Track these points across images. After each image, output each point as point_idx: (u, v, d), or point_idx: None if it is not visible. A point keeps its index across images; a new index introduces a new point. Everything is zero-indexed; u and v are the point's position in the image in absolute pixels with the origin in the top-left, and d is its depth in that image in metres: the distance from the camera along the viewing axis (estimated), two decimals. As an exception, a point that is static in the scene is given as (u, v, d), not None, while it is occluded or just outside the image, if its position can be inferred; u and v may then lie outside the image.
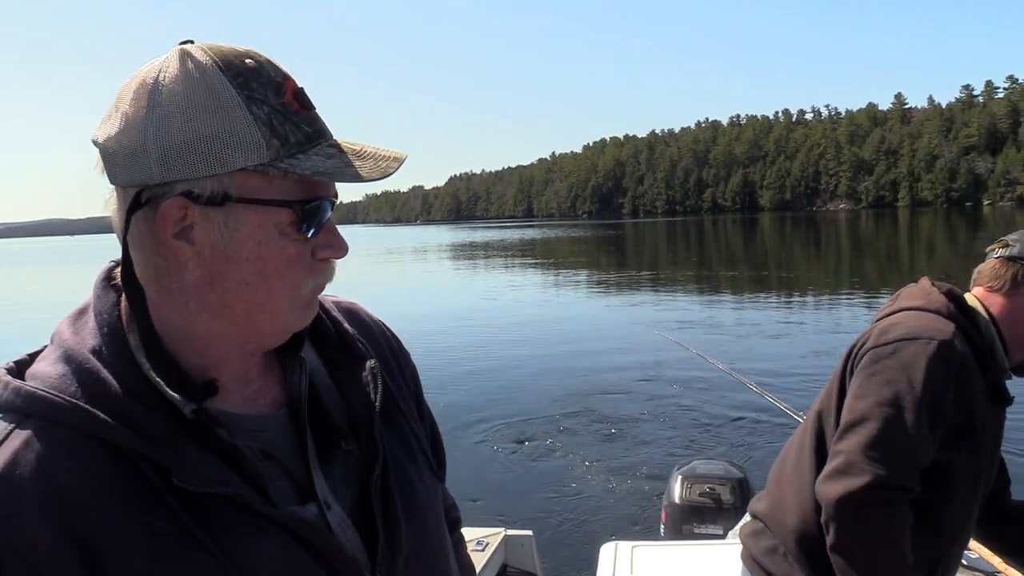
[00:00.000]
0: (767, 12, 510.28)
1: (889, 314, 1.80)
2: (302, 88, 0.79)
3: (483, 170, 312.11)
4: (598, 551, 3.06)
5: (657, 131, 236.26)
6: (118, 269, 0.82)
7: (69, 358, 0.78)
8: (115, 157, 0.76)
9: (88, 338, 0.80)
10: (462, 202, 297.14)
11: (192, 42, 0.78)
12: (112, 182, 0.78)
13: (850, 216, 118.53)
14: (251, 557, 0.75)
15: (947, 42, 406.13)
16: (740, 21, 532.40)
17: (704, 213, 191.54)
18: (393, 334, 1.05)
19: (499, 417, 8.75)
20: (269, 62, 0.78)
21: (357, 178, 0.76)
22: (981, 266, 1.84)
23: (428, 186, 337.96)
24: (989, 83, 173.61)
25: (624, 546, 3.03)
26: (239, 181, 0.75)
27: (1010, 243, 1.81)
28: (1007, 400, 1.80)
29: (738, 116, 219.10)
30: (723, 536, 3.51)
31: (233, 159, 0.74)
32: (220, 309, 0.79)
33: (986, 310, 1.78)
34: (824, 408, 1.80)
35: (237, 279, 0.77)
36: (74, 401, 0.74)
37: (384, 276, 32.57)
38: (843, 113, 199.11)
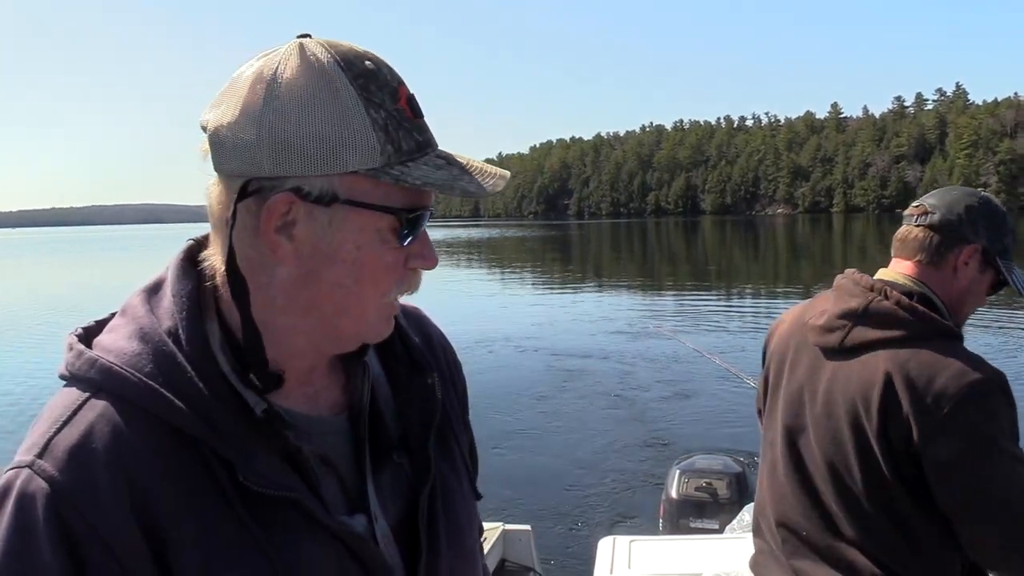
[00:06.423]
0: (713, 23, 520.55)
1: (868, 343, 1.57)
2: (413, 95, 0.79)
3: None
4: (596, 545, 3.06)
5: (603, 134, 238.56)
6: (205, 251, 0.81)
7: (145, 336, 0.76)
8: (224, 145, 0.75)
9: (164, 318, 0.78)
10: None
11: (309, 36, 0.77)
12: (216, 169, 0.77)
13: (788, 220, 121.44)
14: (303, 563, 0.75)
15: (882, 54, 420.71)
16: (686, 29, 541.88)
17: (648, 216, 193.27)
18: (450, 346, 1.04)
19: (496, 413, 8.64)
20: (386, 65, 0.78)
21: (466, 192, 0.76)
22: (901, 233, 1.70)
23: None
24: (919, 95, 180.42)
25: (622, 540, 3.02)
26: (349, 183, 0.74)
27: (929, 209, 1.68)
28: None
29: (682, 121, 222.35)
30: (719, 531, 3.51)
31: (347, 161, 0.73)
32: (308, 308, 0.78)
33: (923, 284, 1.65)
34: (844, 468, 1.57)
35: (331, 280, 0.77)
36: (149, 383, 0.73)
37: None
38: (782, 120, 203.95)
